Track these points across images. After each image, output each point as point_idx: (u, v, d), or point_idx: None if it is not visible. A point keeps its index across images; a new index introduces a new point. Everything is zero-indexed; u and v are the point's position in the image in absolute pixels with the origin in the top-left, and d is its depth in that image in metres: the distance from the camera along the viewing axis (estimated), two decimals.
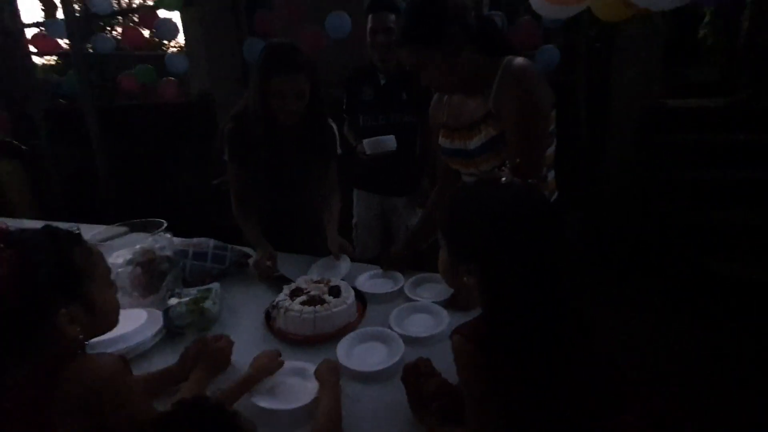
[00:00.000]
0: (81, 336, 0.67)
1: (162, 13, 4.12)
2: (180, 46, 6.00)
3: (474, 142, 1.15)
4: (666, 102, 3.62)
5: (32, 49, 4.62)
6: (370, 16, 1.93)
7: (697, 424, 1.66)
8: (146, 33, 4.46)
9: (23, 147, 3.68)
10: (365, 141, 1.90)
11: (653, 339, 2.21)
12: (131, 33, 4.37)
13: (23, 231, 0.66)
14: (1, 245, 0.63)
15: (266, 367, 0.90)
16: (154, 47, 6.13)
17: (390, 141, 1.89)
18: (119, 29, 6.09)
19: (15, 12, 4.52)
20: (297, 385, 0.89)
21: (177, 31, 4.04)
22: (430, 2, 1.08)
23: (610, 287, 2.65)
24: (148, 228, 1.65)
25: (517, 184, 0.68)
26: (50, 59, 6.87)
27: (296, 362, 0.94)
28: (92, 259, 0.70)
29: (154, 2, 3.82)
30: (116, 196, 4.09)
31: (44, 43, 4.58)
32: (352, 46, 3.26)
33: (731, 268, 2.64)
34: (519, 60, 1.09)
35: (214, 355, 0.91)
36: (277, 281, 1.33)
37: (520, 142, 1.07)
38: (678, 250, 2.88)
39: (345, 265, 1.39)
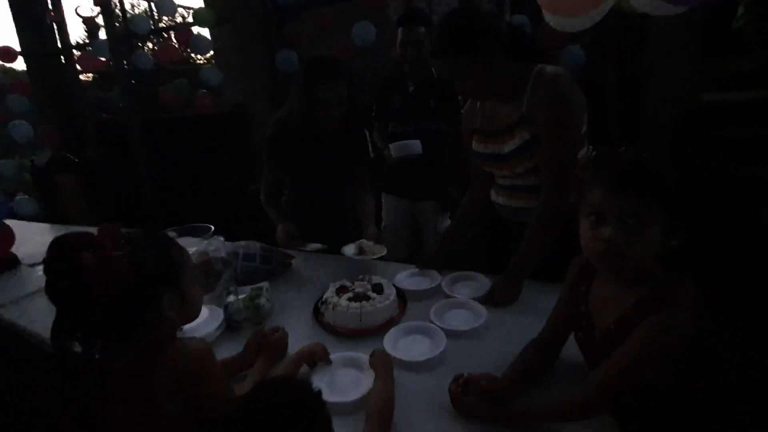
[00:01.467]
0: (177, 320, 0.79)
1: (195, 29, 4.35)
2: (207, 60, 6.25)
3: (508, 146, 1.21)
4: (703, 96, 3.52)
5: (78, 67, 4.96)
6: (400, 29, 1.99)
7: None
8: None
9: (76, 160, 3.96)
10: (392, 145, 1.97)
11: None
12: (167, 49, 4.62)
13: (130, 233, 0.78)
14: (119, 244, 0.74)
15: (309, 355, 0.98)
16: (186, 62, 6.42)
17: (416, 145, 1.96)
18: (150, 45, 6.41)
19: (65, 33, 4.88)
20: (352, 376, 0.96)
21: (211, 45, 4.24)
22: (463, 15, 1.15)
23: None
24: (195, 233, 1.77)
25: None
26: (89, 76, 7.30)
27: (350, 353, 1.01)
28: (184, 256, 0.82)
29: (193, 20, 4.03)
30: (158, 203, 4.32)
31: (89, 62, 4.90)
32: (377, 53, 3.36)
33: None
34: (551, 68, 1.15)
35: (273, 345, 1.00)
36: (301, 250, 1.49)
37: (554, 145, 1.12)
38: (727, 251, 2.80)
39: (380, 250, 1.48)
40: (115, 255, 0.72)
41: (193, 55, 5.96)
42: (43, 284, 0.74)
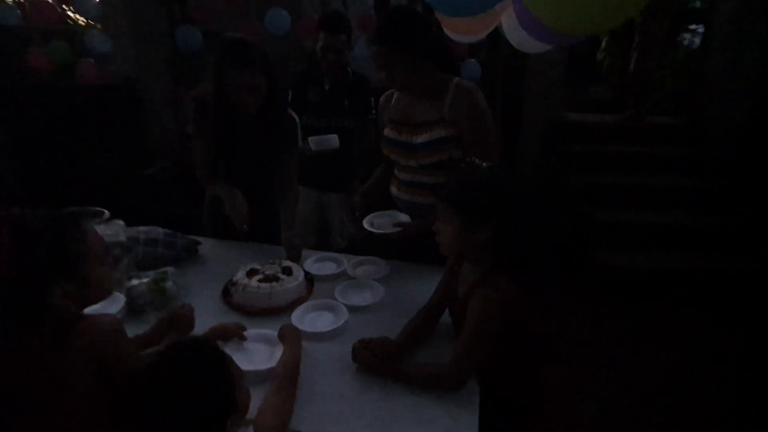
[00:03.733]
0: (73, 308, 0.78)
1: None
2: (90, 24, 5.51)
3: (421, 138, 1.39)
4: (567, 116, 4.20)
5: None
6: (322, 33, 2.04)
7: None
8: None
9: None
10: (311, 138, 2.05)
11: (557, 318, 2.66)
12: (41, 6, 4.00)
13: (23, 215, 0.73)
14: (7, 226, 0.71)
15: (221, 331, 1.04)
16: (63, 22, 5.58)
17: (334, 140, 2.06)
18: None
19: None
20: (263, 350, 1.05)
21: (100, 9, 3.79)
22: (408, 13, 1.34)
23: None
24: (85, 216, 1.66)
25: (497, 167, 1.05)
26: None
27: (263, 330, 1.10)
28: (87, 240, 0.79)
29: None
30: (19, 181, 3.75)
31: None
32: (285, 42, 3.35)
33: (618, 258, 3.19)
34: (468, 82, 1.38)
35: (180, 318, 1.04)
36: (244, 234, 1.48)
37: (479, 148, 1.33)
38: (574, 245, 3.40)
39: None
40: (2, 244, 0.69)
41: (73, 15, 5.20)
42: None
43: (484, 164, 1.02)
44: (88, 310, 1.07)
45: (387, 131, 1.51)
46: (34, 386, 0.72)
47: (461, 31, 2.00)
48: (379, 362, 0.98)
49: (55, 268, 0.73)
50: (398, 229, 1.37)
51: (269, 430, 0.79)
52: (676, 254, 3.19)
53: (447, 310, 1.15)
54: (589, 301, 2.84)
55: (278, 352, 1.01)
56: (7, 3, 4.67)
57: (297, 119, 1.67)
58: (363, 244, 1.68)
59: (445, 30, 2.14)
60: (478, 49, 4.05)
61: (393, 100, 1.53)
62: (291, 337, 1.03)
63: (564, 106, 4.27)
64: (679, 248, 3.23)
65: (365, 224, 1.41)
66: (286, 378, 0.92)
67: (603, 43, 5.29)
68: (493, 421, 0.93)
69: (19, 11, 3.90)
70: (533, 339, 1.01)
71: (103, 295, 0.84)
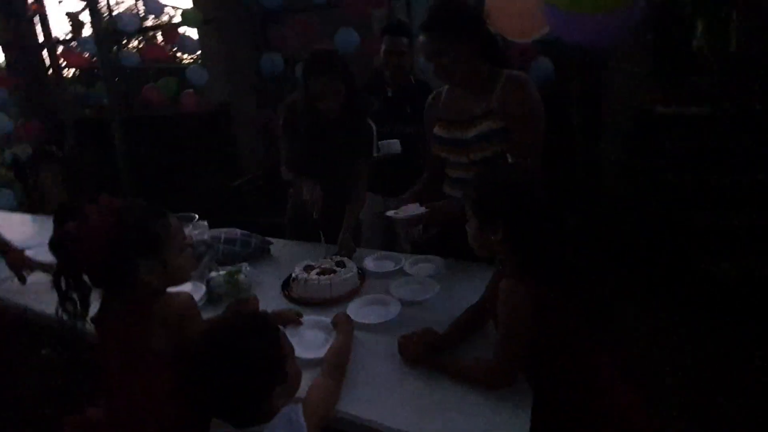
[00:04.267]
0: (156, 284, 0.92)
1: (182, 29, 4.45)
2: (191, 59, 6.31)
3: (471, 132, 1.38)
4: (657, 109, 3.81)
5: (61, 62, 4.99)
6: (385, 38, 2.16)
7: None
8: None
9: (60, 154, 4.01)
10: None
11: (645, 329, 2.42)
12: (153, 47, 4.70)
13: (123, 203, 0.90)
14: (103, 215, 0.87)
15: (280, 315, 1.14)
16: (172, 60, 6.48)
17: (396, 145, 2.12)
18: (135, 43, 6.45)
19: (48, 27, 4.89)
20: (320, 336, 1.12)
21: (198, 45, 4.34)
22: (460, 3, 1.35)
23: (606, 283, 2.85)
24: (181, 221, 1.90)
25: (520, 164, 1.00)
26: (70, 71, 7.26)
27: (319, 317, 1.18)
28: (170, 229, 0.93)
29: (181, 19, 4.13)
30: (137, 196, 4.37)
31: (72, 57, 4.94)
32: (356, 60, 3.53)
33: (718, 265, 2.81)
34: (519, 72, 1.35)
35: (248, 307, 1.16)
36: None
37: (529, 137, 1.30)
38: (669, 250, 3.06)
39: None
40: (94, 226, 0.84)
41: (179, 54, 6.02)
42: None
43: (509, 161, 0.97)
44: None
45: (437, 129, 1.49)
46: (124, 346, 0.87)
47: (514, 32, 1.95)
48: (422, 351, 0.98)
49: (140, 246, 0.88)
50: (422, 210, 1.33)
51: (316, 409, 0.84)
52: None
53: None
54: (693, 314, 2.52)
55: (332, 340, 1.07)
56: (129, 49, 5.58)
57: (374, 128, 1.78)
58: (427, 249, 1.69)
59: (500, 31, 2.10)
60: (551, 48, 3.89)
61: (441, 99, 1.52)
62: (343, 326, 1.08)
63: (653, 99, 3.88)
64: None
65: (389, 213, 1.39)
66: (336, 364, 0.97)
67: (699, 28, 4.74)
68: (545, 419, 0.88)
69: (138, 54, 4.62)
70: (573, 338, 0.94)
71: (180, 278, 0.97)
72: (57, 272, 0.87)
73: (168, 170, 4.48)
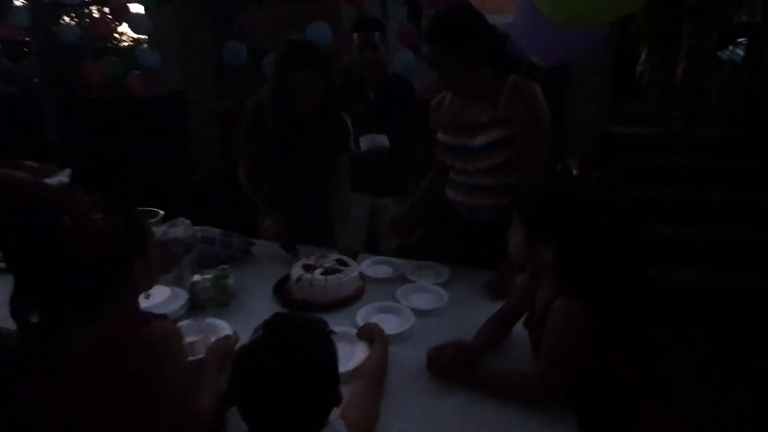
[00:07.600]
0: (143, 286, 0.82)
1: (134, 8, 4.05)
2: (140, 40, 5.79)
3: (477, 141, 1.33)
4: (612, 129, 4.08)
5: None
6: (356, 35, 2.05)
7: None
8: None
9: None
10: (361, 138, 2.03)
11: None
12: (100, 23, 4.25)
13: (102, 201, 0.76)
14: (92, 210, 0.73)
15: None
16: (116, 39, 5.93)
17: (383, 139, 2.04)
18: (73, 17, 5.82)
19: None
20: (346, 349, 0.98)
21: (151, 25, 3.98)
22: (465, 12, 1.27)
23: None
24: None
25: (588, 177, 0.90)
26: None
27: (339, 327, 1.04)
28: (147, 224, 0.85)
29: None
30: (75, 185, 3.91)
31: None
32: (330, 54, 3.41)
33: (678, 275, 3.02)
34: (526, 79, 1.30)
35: (228, 344, 1.00)
36: (283, 248, 1.50)
37: (536, 145, 1.27)
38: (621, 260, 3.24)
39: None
40: (93, 218, 0.72)
41: (123, 33, 5.51)
42: None
43: (574, 172, 0.91)
44: (151, 306, 1.09)
45: (441, 135, 1.45)
46: (99, 387, 0.72)
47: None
48: (458, 366, 0.92)
49: (133, 243, 0.78)
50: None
51: (358, 425, 0.75)
52: (732, 271, 3.00)
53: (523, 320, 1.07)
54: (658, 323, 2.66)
55: (359, 351, 0.98)
56: (68, 22, 5.01)
57: (349, 122, 1.67)
58: (412, 250, 1.63)
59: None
60: (518, 69, 4.02)
61: (446, 104, 1.47)
62: (380, 337, 0.99)
63: (607, 120, 4.16)
64: (737, 265, 3.03)
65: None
66: (378, 379, 0.89)
67: (642, 56, 5.15)
68: None
69: (78, 29, 4.14)
70: (624, 371, 0.91)
71: (154, 280, 0.88)
72: (17, 295, 0.71)
73: (110, 159, 4.05)
